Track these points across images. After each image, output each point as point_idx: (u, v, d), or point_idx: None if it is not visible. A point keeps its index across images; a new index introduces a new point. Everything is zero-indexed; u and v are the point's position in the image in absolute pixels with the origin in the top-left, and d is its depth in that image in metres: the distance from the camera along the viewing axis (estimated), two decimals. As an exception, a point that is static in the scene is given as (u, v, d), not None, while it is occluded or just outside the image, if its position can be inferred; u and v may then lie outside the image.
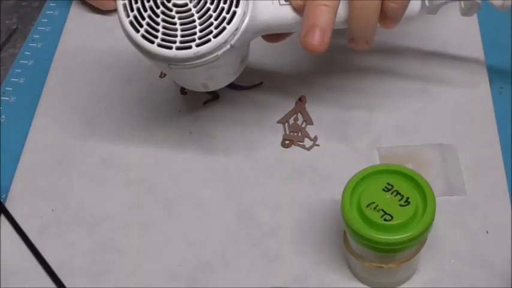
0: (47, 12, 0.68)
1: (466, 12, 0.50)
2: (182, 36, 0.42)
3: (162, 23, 0.42)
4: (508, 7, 0.48)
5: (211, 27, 0.42)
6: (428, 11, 0.49)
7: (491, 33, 0.60)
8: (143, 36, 0.43)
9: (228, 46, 0.43)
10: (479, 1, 0.48)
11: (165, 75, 0.60)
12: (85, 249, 0.50)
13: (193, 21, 0.42)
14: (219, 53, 0.43)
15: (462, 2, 0.50)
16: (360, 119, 0.55)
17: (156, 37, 0.42)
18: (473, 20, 0.61)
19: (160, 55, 0.42)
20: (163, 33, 0.42)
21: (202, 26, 0.42)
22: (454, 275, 0.46)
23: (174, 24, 0.42)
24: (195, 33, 0.42)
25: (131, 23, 0.43)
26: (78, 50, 0.63)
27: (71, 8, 0.68)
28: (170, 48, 0.42)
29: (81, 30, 0.65)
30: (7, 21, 0.69)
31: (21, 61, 0.64)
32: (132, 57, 0.61)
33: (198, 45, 0.42)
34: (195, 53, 0.42)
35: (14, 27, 0.68)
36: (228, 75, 0.49)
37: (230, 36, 0.43)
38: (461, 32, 0.60)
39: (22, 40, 0.66)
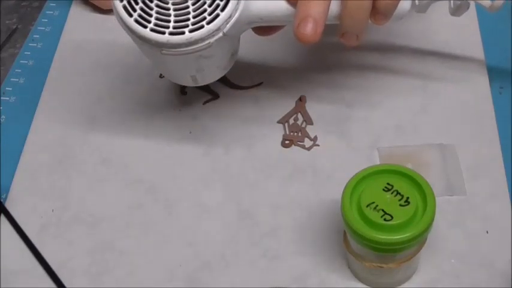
0: (47, 12, 0.68)
1: (454, 12, 0.50)
2: (175, 21, 0.42)
3: (155, 8, 0.43)
4: (498, 7, 0.48)
5: (205, 14, 0.43)
6: (418, 10, 0.49)
7: (491, 33, 0.60)
8: (136, 21, 0.43)
9: (221, 34, 0.43)
10: (468, 1, 0.48)
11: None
12: (85, 249, 0.50)
13: (187, 7, 0.43)
14: (212, 40, 0.43)
15: (452, 1, 0.50)
16: (360, 119, 0.55)
17: (149, 22, 0.43)
18: (473, 19, 0.61)
19: (153, 40, 0.43)
20: (157, 18, 0.43)
21: (196, 12, 0.43)
22: (454, 275, 0.46)
23: (168, 9, 0.43)
24: (188, 19, 0.42)
25: (124, 7, 0.43)
26: (78, 50, 0.63)
27: (71, 8, 0.68)
28: (163, 33, 0.42)
29: (81, 30, 0.65)
30: (7, 21, 0.69)
31: (21, 61, 0.64)
32: (132, 57, 0.61)
33: (191, 31, 0.42)
34: (187, 39, 0.42)
35: (14, 27, 0.69)
36: (218, 69, 0.49)
37: (223, 23, 0.43)
38: (461, 32, 0.60)
39: (22, 40, 0.66)
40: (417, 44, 0.60)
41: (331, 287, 0.47)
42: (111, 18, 0.67)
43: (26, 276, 0.49)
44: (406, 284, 0.46)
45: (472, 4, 0.50)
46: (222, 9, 0.43)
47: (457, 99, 0.56)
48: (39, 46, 0.65)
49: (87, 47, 0.64)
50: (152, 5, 0.43)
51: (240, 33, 0.47)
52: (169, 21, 0.43)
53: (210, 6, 0.43)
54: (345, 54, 0.60)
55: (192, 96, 0.59)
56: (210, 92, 0.59)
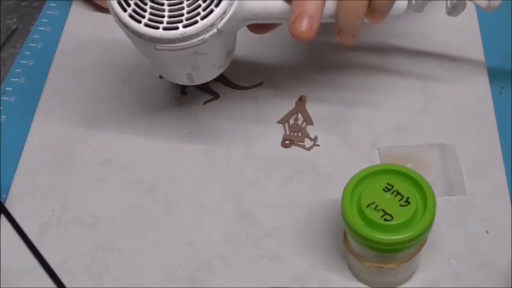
0: (47, 12, 0.68)
1: (451, 12, 0.50)
2: (169, 16, 0.43)
3: (149, 3, 0.43)
4: (494, 8, 0.48)
5: (199, 9, 0.43)
6: (414, 9, 0.49)
7: (491, 33, 0.60)
8: (130, 16, 0.43)
9: (215, 30, 0.43)
10: (465, 0, 0.48)
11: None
12: (85, 249, 0.50)
13: (181, 2, 0.43)
14: (206, 36, 0.43)
15: (448, 1, 0.50)
16: (360, 119, 0.55)
17: (144, 17, 0.43)
18: (473, 20, 0.61)
19: (146, 35, 0.43)
20: (151, 13, 0.43)
21: (190, 8, 0.43)
22: (454, 275, 0.46)
23: (162, 4, 0.43)
24: (182, 14, 0.43)
25: (119, 2, 0.43)
26: (78, 50, 0.63)
27: (71, 8, 0.68)
28: (157, 28, 0.43)
29: (81, 30, 0.65)
30: (7, 21, 0.69)
31: (21, 61, 0.64)
32: (132, 57, 0.61)
33: (185, 27, 0.43)
34: (181, 34, 0.43)
35: (14, 27, 0.68)
36: (214, 67, 0.49)
37: (217, 19, 0.43)
38: (461, 32, 0.60)
39: (22, 40, 0.66)
40: (417, 44, 0.60)
41: (331, 287, 0.47)
42: (111, 18, 0.67)
43: (26, 276, 0.49)
44: (406, 284, 0.46)
45: (472, 4, 0.50)
46: (217, 5, 0.43)
47: (457, 99, 0.56)
48: (39, 46, 0.65)
49: (87, 47, 0.64)
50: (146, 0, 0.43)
51: (235, 30, 0.47)
52: (163, 16, 0.43)
53: (204, 1, 0.43)
54: (346, 55, 0.60)
55: (192, 96, 0.59)
56: (210, 92, 0.59)
